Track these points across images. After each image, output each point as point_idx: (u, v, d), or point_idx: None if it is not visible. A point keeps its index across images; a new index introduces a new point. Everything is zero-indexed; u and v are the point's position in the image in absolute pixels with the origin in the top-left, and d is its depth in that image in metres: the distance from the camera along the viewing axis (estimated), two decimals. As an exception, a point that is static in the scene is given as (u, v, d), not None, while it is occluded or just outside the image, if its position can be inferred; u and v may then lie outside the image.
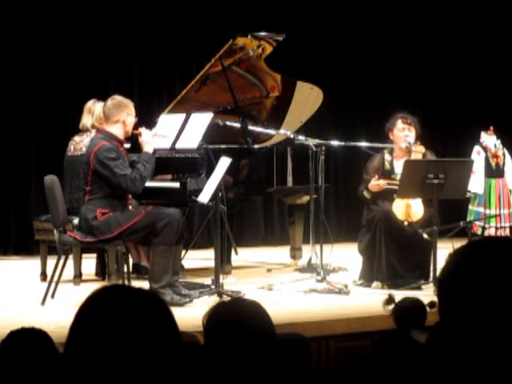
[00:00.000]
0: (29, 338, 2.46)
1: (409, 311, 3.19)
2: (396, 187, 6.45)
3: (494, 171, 9.00)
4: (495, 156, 8.99)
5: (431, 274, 6.26)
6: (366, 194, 6.63)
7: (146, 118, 6.64)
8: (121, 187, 5.78)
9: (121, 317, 1.59)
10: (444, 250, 1.67)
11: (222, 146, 6.81)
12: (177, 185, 6.50)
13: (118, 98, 5.99)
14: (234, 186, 6.80)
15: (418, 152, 6.61)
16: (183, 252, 7.26)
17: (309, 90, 7.54)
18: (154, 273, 5.80)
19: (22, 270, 7.84)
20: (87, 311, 1.63)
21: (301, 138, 6.94)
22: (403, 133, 6.64)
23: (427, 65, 10.47)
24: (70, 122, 8.36)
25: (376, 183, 6.52)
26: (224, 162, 5.94)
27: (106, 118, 5.97)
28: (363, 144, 6.95)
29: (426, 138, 6.88)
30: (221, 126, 7.17)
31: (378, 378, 1.86)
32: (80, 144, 6.95)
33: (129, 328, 1.57)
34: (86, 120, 7.01)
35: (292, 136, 7.07)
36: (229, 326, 2.19)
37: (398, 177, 6.52)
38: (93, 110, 6.98)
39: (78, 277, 6.84)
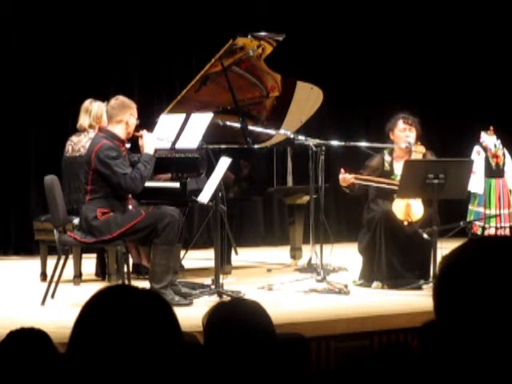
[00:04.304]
0: (28, 338, 2.45)
1: None
2: (385, 186, 6.46)
3: (493, 171, 9.01)
4: (495, 156, 8.99)
5: (431, 274, 6.26)
6: (343, 188, 6.64)
7: (146, 118, 6.64)
8: (121, 186, 5.79)
9: (124, 317, 1.59)
10: (444, 250, 1.66)
11: (222, 146, 6.81)
12: (177, 185, 6.50)
13: (121, 98, 5.99)
14: (234, 185, 6.80)
15: (418, 152, 6.61)
16: (183, 252, 7.27)
17: (309, 89, 7.54)
18: (154, 273, 5.80)
19: (22, 270, 7.84)
20: (90, 311, 1.63)
21: (301, 137, 6.94)
22: (404, 133, 6.64)
23: (427, 65, 10.46)
24: (70, 122, 8.35)
25: (342, 177, 6.52)
26: (224, 162, 5.94)
27: (109, 117, 5.98)
28: (363, 144, 6.95)
29: (426, 138, 6.88)
30: (221, 125, 7.17)
31: (378, 378, 1.86)
32: (78, 145, 6.95)
33: (132, 328, 1.58)
34: (83, 120, 7.01)
35: (292, 136, 7.06)
36: (229, 326, 2.19)
37: (398, 178, 6.52)
38: (90, 110, 6.98)
39: (77, 277, 6.84)
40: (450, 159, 6.85)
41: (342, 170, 6.55)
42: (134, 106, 5.97)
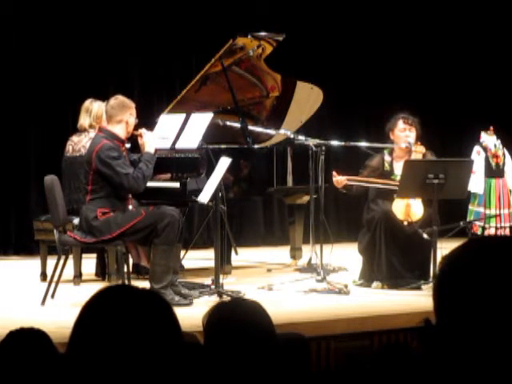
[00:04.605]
0: (28, 338, 2.45)
1: None
2: (395, 187, 6.46)
3: (494, 171, 9.01)
4: (495, 156, 8.99)
5: (431, 274, 6.26)
6: (340, 189, 6.65)
7: (146, 118, 6.64)
8: (123, 186, 5.78)
9: (124, 317, 1.59)
10: (444, 250, 1.67)
11: (222, 146, 6.81)
12: (177, 185, 6.50)
13: (121, 97, 5.99)
14: (234, 185, 6.80)
15: (418, 152, 6.61)
16: (183, 252, 7.27)
17: (309, 89, 7.53)
18: (154, 273, 5.80)
19: (22, 270, 7.84)
20: (90, 311, 1.63)
21: (301, 137, 6.94)
22: (404, 133, 6.64)
23: (427, 65, 10.46)
24: (70, 122, 8.36)
25: (336, 179, 6.53)
26: (224, 162, 5.94)
27: (109, 117, 5.97)
28: (363, 144, 6.95)
29: (426, 138, 6.88)
30: (221, 125, 7.17)
31: (378, 378, 1.86)
32: (78, 145, 6.94)
33: (132, 328, 1.58)
34: (84, 120, 7.01)
35: (292, 136, 7.06)
36: (229, 326, 2.18)
37: (398, 178, 6.52)
38: (90, 110, 6.98)
39: (77, 277, 6.84)
40: (450, 159, 6.85)
41: (335, 173, 6.56)
42: (133, 105, 5.98)
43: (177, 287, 5.89)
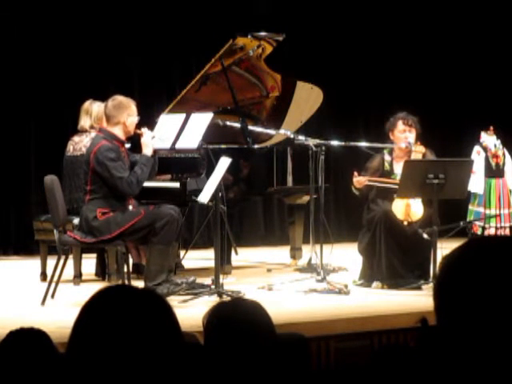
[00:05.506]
0: (28, 338, 2.45)
1: None
2: (395, 186, 6.45)
3: (494, 171, 9.01)
4: (495, 156, 9.00)
5: (431, 274, 6.26)
6: (354, 190, 6.65)
7: (146, 118, 6.63)
8: (117, 189, 5.80)
9: (124, 317, 1.59)
10: (444, 250, 1.67)
11: (222, 146, 6.81)
12: (177, 185, 6.50)
13: (118, 98, 5.98)
14: (234, 185, 6.80)
15: (418, 152, 6.60)
16: (183, 252, 7.27)
17: (309, 90, 7.54)
18: (149, 271, 5.82)
19: (22, 269, 7.84)
20: (90, 311, 1.63)
21: (301, 138, 6.94)
22: (404, 134, 6.64)
23: (427, 65, 10.46)
24: (70, 122, 8.35)
25: (356, 179, 6.53)
26: (224, 162, 5.94)
27: (107, 118, 5.98)
28: (363, 144, 6.95)
29: (426, 138, 6.88)
30: (221, 125, 7.16)
31: (378, 378, 1.86)
32: (79, 144, 6.95)
33: (132, 328, 1.58)
34: (84, 121, 7.00)
35: (292, 136, 7.06)
36: (229, 326, 2.18)
37: (398, 177, 6.52)
38: (90, 111, 6.97)
39: (77, 277, 6.83)
40: (450, 159, 6.85)
41: (356, 173, 6.55)
42: (131, 104, 5.96)
43: (171, 281, 5.89)
